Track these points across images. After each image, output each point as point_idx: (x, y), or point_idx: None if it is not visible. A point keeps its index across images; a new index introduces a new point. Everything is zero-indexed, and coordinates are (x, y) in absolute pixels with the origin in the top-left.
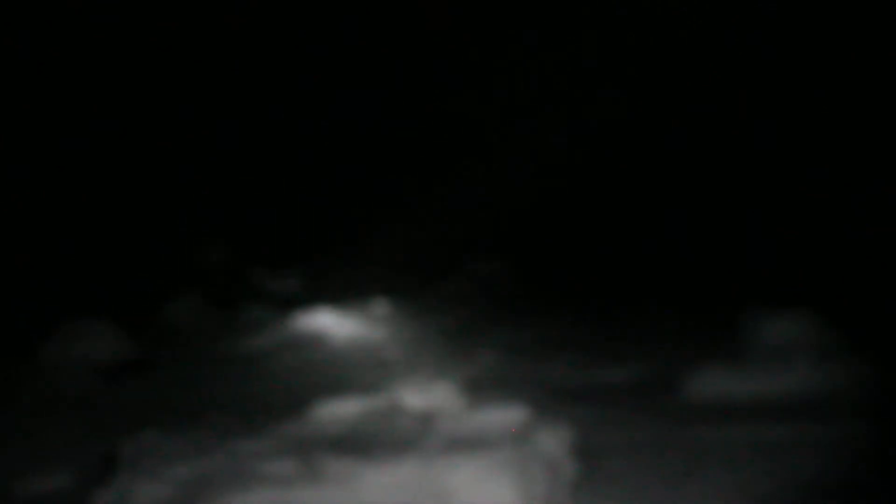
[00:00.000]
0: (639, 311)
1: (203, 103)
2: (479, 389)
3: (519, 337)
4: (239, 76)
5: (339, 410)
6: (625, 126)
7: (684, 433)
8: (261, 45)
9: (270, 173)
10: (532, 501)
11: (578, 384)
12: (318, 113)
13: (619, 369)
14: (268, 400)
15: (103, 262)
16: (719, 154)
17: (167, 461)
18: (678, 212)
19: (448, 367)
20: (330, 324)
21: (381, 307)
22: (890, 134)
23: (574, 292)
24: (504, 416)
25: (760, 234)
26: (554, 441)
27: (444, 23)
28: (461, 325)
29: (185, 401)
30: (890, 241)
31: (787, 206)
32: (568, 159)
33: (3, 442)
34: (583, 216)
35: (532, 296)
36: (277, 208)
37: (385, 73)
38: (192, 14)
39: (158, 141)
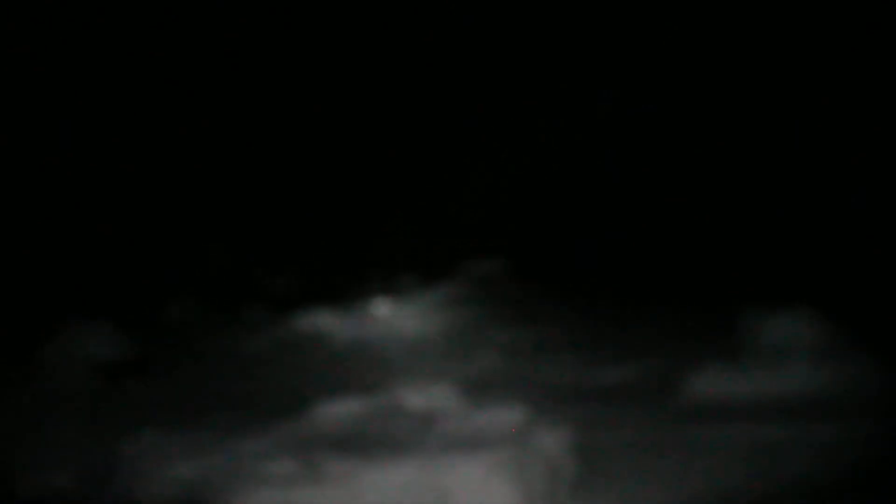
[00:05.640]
0: (638, 312)
1: (203, 102)
2: (479, 389)
3: (519, 337)
4: (239, 75)
5: (339, 410)
6: (625, 126)
7: (684, 433)
8: (261, 45)
9: (270, 173)
10: (532, 501)
11: (578, 384)
12: (318, 112)
13: (619, 369)
14: (268, 400)
15: (103, 262)
16: (719, 153)
17: (167, 461)
18: (677, 211)
19: (448, 367)
20: (330, 324)
21: (381, 307)
22: (890, 134)
23: (574, 292)
24: (504, 416)
25: (759, 233)
26: (554, 441)
27: (444, 22)
28: (461, 325)
29: (185, 401)
30: (890, 240)
31: (786, 204)
32: (568, 159)
33: (2, 442)
34: (582, 216)
35: (532, 296)
36: (277, 208)
37: (385, 73)
38: (192, 13)
39: (157, 140)
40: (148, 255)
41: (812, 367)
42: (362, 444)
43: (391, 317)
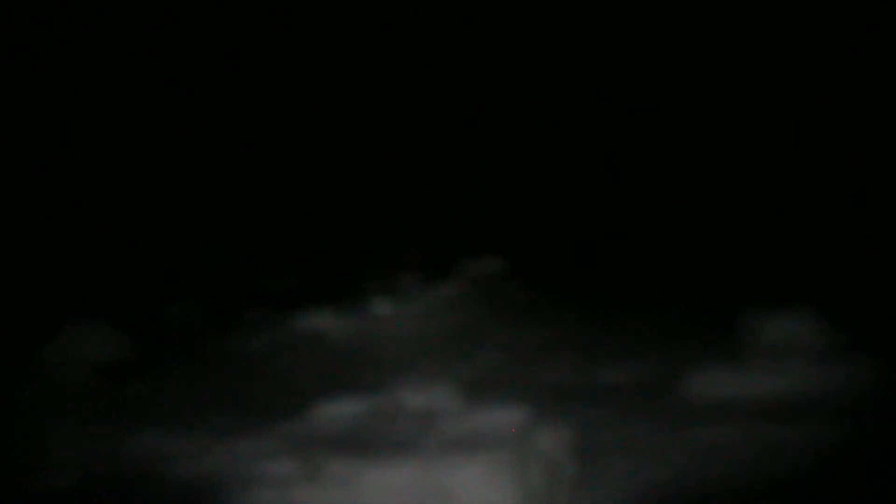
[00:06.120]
0: (638, 311)
1: (202, 102)
2: (479, 389)
3: (519, 337)
4: (239, 75)
5: (339, 410)
6: (625, 125)
7: (684, 433)
8: (261, 45)
9: (269, 173)
10: (532, 501)
11: (578, 384)
12: (318, 112)
13: (619, 369)
14: (268, 400)
15: (103, 261)
16: (719, 153)
17: (167, 461)
18: (677, 211)
19: (448, 367)
20: (330, 324)
21: (381, 307)
22: (890, 134)
23: (574, 292)
24: (504, 416)
25: (759, 234)
26: (554, 441)
27: (444, 22)
28: (461, 325)
29: (185, 401)
30: (890, 240)
31: (786, 204)
32: (568, 159)
33: (2, 442)
34: (582, 216)
35: (532, 296)
36: (277, 208)
37: (385, 73)
38: (192, 13)
39: (157, 140)
40: (148, 255)
41: (812, 367)
42: (362, 444)
43: (391, 317)
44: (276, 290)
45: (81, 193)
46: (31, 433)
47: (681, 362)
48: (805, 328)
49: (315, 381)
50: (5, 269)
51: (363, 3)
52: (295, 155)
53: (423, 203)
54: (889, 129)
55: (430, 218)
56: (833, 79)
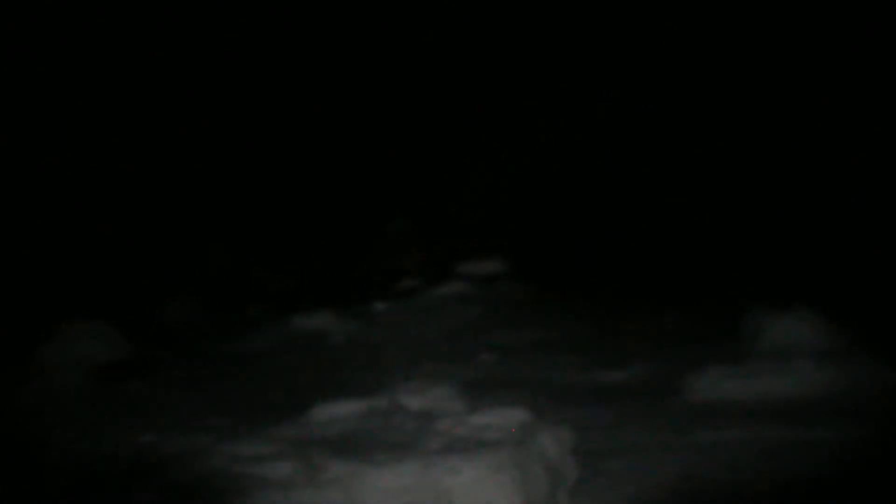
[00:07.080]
0: (640, 312)
1: (203, 102)
2: (479, 390)
3: (519, 337)
4: (239, 76)
5: (339, 411)
6: (625, 126)
7: (685, 434)
8: (261, 45)
9: (270, 173)
10: (532, 502)
11: (578, 385)
12: (318, 113)
13: (620, 370)
14: (267, 400)
15: (102, 262)
16: (719, 153)
17: (167, 461)
18: (679, 211)
19: (448, 367)
20: (330, 324)
21: (381, 307)
22: (890, 134)
23: (574, 293)
24: (504, 416)
25: (762, 234)
26: (554, 441)
27: (444, 22)
28: (461, 326)
29: (184, 401)
30: (890, 241)
31: (788, 205)
32: (568, 159)
33: (2, 443)
34: (583, 216)
35: (532, 296)
36: (277, 208)
37: (385, 73)
38: (192, 13)
39: (158, 140)
40: (148, 255)
41: (814, 368)
42: (362, 445)
43: (391, 317)
44: (276, 290)
45: (81, 193)
46: (31, 434)
47: (683, 363)
48: (808, 330)
49: (315, 381)
50: (5, 269)
51: (363, 3)
52: (295, 155)
53: (423, 203)
54: (889, 129)
55: (430, 218)
56: (833, 79)
